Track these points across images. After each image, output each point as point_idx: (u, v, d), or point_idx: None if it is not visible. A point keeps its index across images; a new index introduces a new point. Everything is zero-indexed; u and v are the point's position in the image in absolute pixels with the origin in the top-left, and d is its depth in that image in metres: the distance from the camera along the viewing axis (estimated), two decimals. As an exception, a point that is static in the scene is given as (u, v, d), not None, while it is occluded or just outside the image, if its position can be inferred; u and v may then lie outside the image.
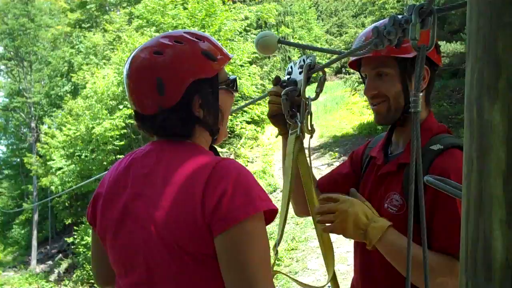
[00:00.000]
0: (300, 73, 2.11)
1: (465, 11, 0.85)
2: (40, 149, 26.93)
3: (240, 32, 21.55)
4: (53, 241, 31.37)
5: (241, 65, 19.94)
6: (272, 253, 2.07)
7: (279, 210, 1.83)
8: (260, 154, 19.20)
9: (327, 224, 1.91)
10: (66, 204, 28.35)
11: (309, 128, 2.11)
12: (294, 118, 2.13)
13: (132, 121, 18.82)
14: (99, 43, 27.61)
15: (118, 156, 19.03)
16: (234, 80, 1.83)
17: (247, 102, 12.84)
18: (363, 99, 17.46)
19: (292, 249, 10.56)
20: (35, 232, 30.87)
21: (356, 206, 1.86)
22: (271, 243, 1.69)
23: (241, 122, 19.91)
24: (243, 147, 19.83)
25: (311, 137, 2.13)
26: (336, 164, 14.76)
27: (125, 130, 19.70)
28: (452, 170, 1.76)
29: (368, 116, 19.11)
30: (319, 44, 32.43)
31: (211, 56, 1.69)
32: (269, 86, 20.74)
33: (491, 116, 0.74)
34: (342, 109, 22.67)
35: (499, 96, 0.73)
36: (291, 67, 2.21)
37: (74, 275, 20.88)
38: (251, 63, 21.28)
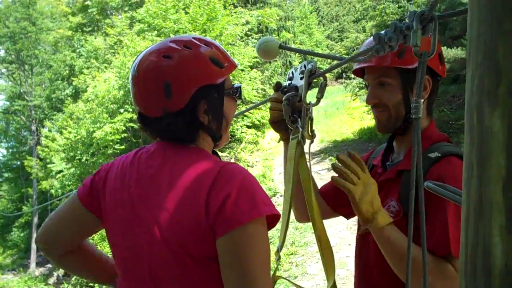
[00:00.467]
0: (301, 78, 2.11)
1: (466, 17, 0.86)
2: (40, 152, 26.95)
3: (241, 37, 21.54)
4: (53, 245, 31.26)
5: (242, 70, 19.94)
6: (273, 258, 2.07)
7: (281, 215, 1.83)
8: (260, 158, 19.20)
9: (344, 184, 1.81)
10: (66, 208, 28.25)
11: (310, 133, 2.12)
12: (295, 124, 2.13)
13: (132, 125, 18.85)
14: (100, 47, 27.64)
15: (118, 160, 18.95)
16: (239, 88, 1.85)
17: (248, 107, 12.85)
18: (364, 104, 17.45)
19: (292, 254, 10.54)
20: (34, 235, 30.77)
21: (375, 185, 1.84)
22: (272, 248, 1.70)
23: (241, 127, 19.91)
24: (243, 151, 19.84)
25: (311, 142, 2.14)
26: (337, 169, 14.73)
27: (125, 134, 19.71)
28: (449, 176, 1.76)
29: (369, 121, 19.11)
30: (320, 49, 32.48)
31: (219, 63, 1.70)
32: (270, 91, 20.75)
33: (491, 122, 0.75)
34: (342, 114, 22.69)
35: (499, 102, 0.74)
36: (292, 73, 2.21)
37: (73, 278, 20.80)
38: (252, 67, 21.28)
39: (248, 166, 18.32)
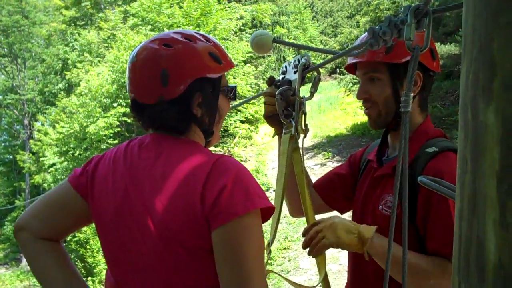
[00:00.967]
0: (294, 72, 2.11)
1: (461, 13, 0.86)
2: (33, 146, 26.84)
3: (235, 32, 21.51)
4: (45, 239, 31.17)
5: (236, 65, 19.91)
6: (265, 253, 2.08)
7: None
8: (254, 153, 19.18)
9: (320, 244, 1.92)
10: (59, 202, 28.16)
11: (303, 127, 2.12)
12: (288, 118, 2.13)
13: (126, 119, 18.78)
14: (93, 41, 27.50)
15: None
16: (234, 88, 1.87)
17: (240, 101, 12.82)
18: (357, 99, 17.38)
19: (285, 248, 10.56)
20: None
21: (339, 217, 1.93)
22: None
23: (235, 121, 19.87)
24: (236, 146, 19.82)
25: (304, 136, 2.14)
26: (330, 164, 14.79)
27: (119, 129, 19.64)
28: (446, 172, 1.77)
29: (362, 116, 19.08)
30: (314, 44, 32.39)
31: (218, 58, 1.73)
32: (264, 86, 20.74)
33: (486, 117, 0.74)
34: (336, 109, 22.66)
35: (494, 97, 0.73)
36: (286, 67, 2.21)
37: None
38: (245, 62, 21.25)
39: (241, 161, 18.29)
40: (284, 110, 2.14)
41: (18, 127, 38.37)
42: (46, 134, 24.18)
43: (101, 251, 1.85)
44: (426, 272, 1.81)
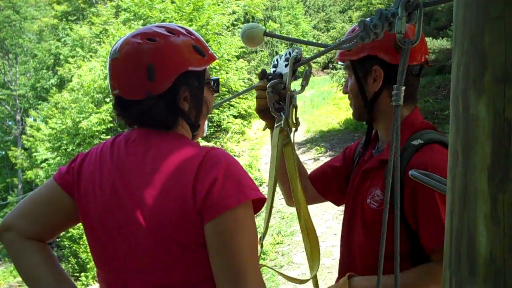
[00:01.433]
0: (286, 66, 2.11)
1: (452, 7, 0.85)
2: (25, 142, 26.76)
3: (228, 27, 21.48)
4: (38, 235, 31.11)
5: (228, 60, 19.88)
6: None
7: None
8: (247, 148, 19.17)
9: None
10: (51, 198, 28.10)
11: (294, 121, 2.12)
12: (279, 112, 2.13)
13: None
14: (85, 36, 27.43)
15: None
16: (217, 80, 1.86)
17: (231, 96, 12.79)
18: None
19: (278, 243, 10.56)
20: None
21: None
22: (256, 236, 1.70)
23: (228, 116, 19.84)
24: (229, 141, 19.78)
25: (296, 130, 2.14)
26: (322, 159, 14.80)
27: (111, 124, 19.59)
28: (430, 164, 1.77)
29: (355, 111, 19.08)
30: (306, 39, 32.38)
31: (201, 51, 1.73)
32: (256, 81, 20.64)
33: (477, 110, 0.74)
34: (328, 104, 22.66)
35: (485, 90, 0.73)
36: (277, 60, 2.20)
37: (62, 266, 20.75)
38: (238, 57, 21.23)
39: (234, 156, 18.25)
40: (275, 104, 2.13)
41: (10, 122, 38.19)
42: (38, 129, 24.11)
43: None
44: (414, 285, 1.83)
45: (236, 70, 20.43)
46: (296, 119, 2.13)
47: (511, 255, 0.72)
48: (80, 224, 1.82)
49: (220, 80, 1.90)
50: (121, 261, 1.62)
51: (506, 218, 0.72)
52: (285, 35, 28.18)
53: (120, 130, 19.97)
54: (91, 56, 24.32)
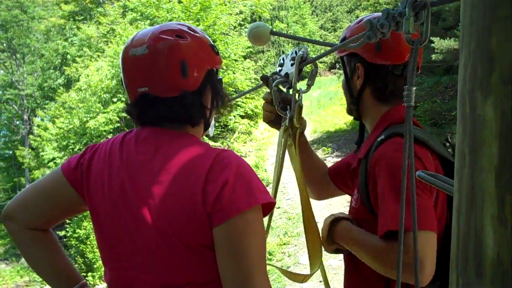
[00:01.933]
0: (292, 65, 2.10)
1: (459, 7, 0.85)
2: (32, 142, 26.83)
3: (235, 27, 21.49)
4: (45, 234, 31.17)
5: (235, 60, 19.91)
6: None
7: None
8: (253, 148, 19.19)
9: None
10: (58, 197, 28.17)
11: (299, 120, 2.12)
12: (285, 111, 2.13)
13: (125, 115, 18.74)
14: (93, 36, 27.48)
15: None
16: (220, 80, 1.86)
17: (237, 95, 12.78)
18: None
19: (284, 244, 10.56)
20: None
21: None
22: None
23: (234, 116, 19.85)
24: (236, 141, 19.80)
25: (301, 129, 2.14)
26: (329, 159, 14.80)
27: (118, 124, 19.62)
28: (383, 157, 1.78)
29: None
30: (313, 39, 32.36)
31: (217, 50, 1.76)
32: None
33: (484, 110, 0.74)
34: (335, 104, 22.64)
35: (492, 90, 0.73)
36: (283, 59, 2.20)
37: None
38: (245, 57, 21.25)
39: (241, 156, 18.23)
40: (281, 103, 2.13)
41: (17, 122, 38.29)
42: (45, 129, 24.15)
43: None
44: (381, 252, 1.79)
45: (243, 70, 20.45)
46: (302, 118, 2.12)
47: (519, 256, 0.71)
48: (87, 224, 1.83)
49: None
50: (128, 260, 1.62)
51: (513, 219, 0.72)
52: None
53: (127, 130, 20.03)
54: (98, 56, 24.36)
